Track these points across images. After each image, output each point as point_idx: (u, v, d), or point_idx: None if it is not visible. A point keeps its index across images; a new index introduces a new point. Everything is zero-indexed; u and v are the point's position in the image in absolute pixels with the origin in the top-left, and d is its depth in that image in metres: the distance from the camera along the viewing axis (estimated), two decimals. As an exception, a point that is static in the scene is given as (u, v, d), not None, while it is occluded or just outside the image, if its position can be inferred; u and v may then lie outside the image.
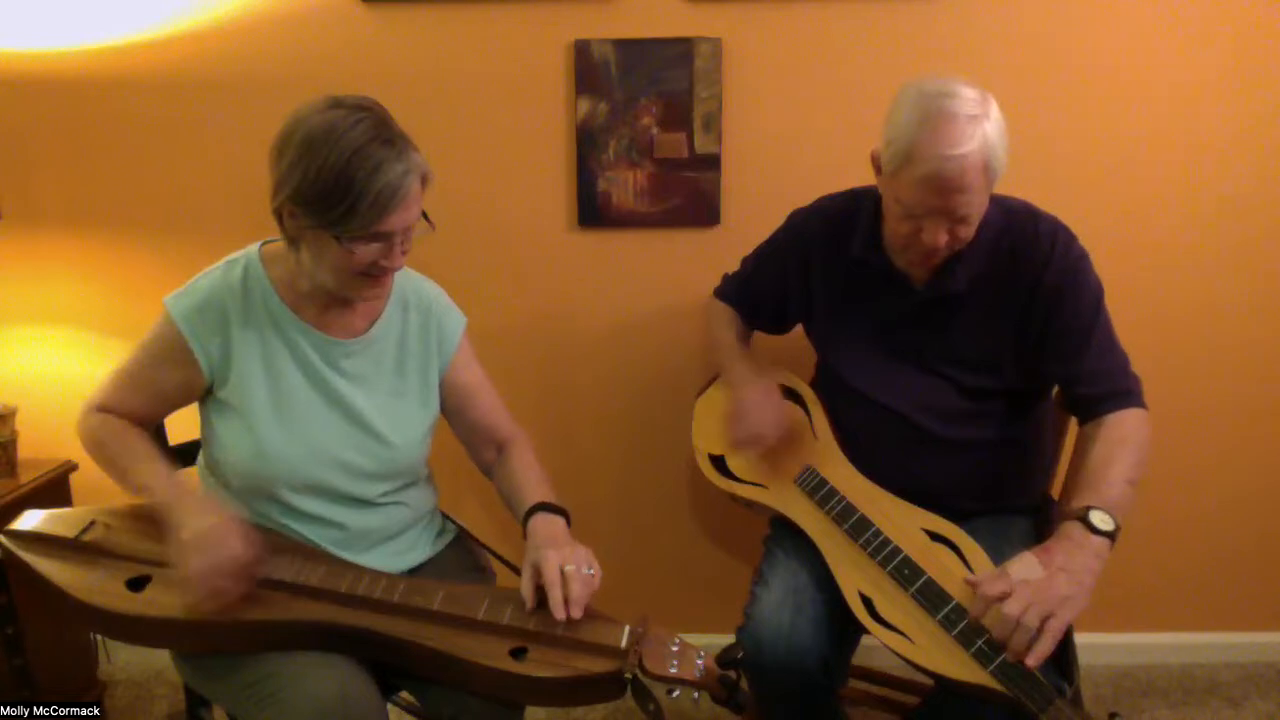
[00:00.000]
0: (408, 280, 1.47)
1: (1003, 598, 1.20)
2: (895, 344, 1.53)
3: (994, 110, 1.31)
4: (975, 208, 1.34)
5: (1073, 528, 1.26)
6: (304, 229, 1.26)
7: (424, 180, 1.27)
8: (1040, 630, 1.17)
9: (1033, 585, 1.20)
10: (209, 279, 1.36)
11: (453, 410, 1.52)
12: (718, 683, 1.21)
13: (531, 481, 1.45)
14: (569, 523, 1.39)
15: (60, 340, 2.08)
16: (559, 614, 1.22)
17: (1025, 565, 1.24)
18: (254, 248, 1.39)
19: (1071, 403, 1.45)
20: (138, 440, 1.37)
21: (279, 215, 1.27)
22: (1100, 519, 1.25)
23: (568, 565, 1.25)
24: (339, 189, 1.20)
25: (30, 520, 1.36)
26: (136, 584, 1.27)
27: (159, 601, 1.25)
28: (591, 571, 1.27)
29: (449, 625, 1.26)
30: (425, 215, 1.30)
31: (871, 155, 1.42)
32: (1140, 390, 1.42)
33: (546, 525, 1.36)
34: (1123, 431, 1.36)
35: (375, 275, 1.30)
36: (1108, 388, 1.40)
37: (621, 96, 1.94)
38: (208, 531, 1.23)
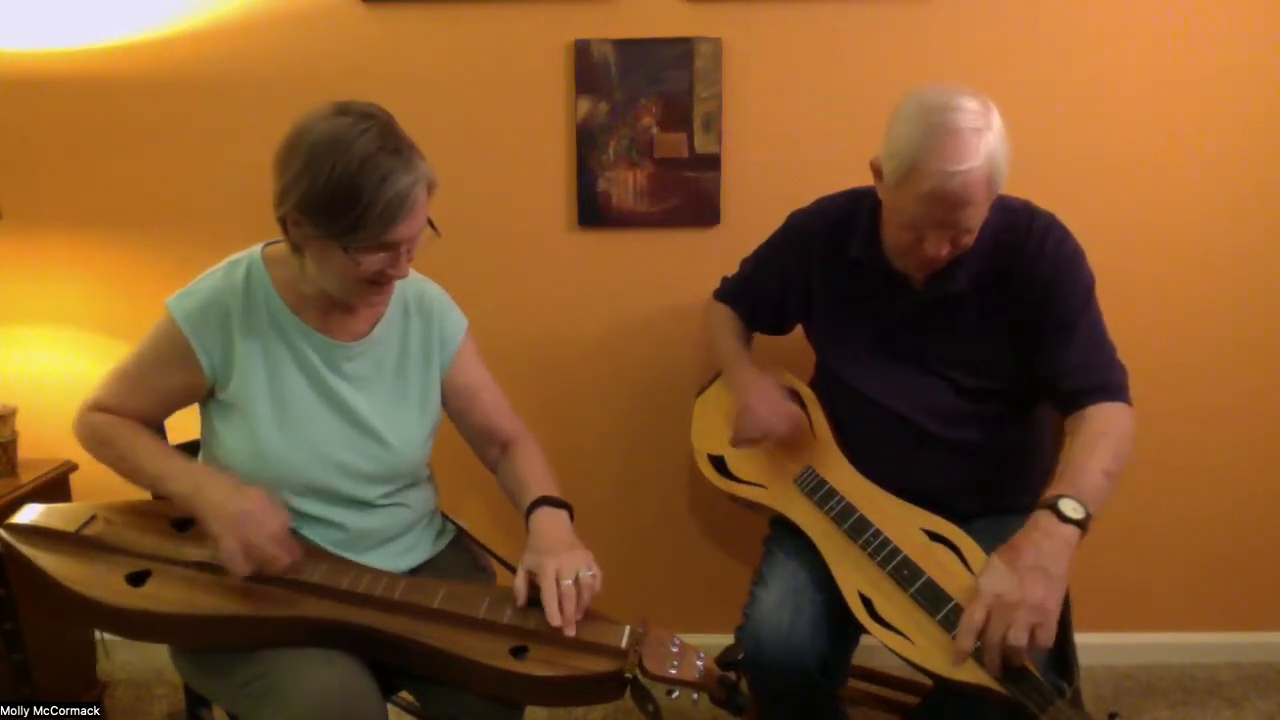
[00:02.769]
0: (410, 282, 1.46)
1: (985, 623, 1.19)
2: (895, 345, 1.53)
3: (996, 120, 1.31)
4: (978, 219, 1.35)
5: (1042, 516, 1.25)
6: (309, 238, 1.26)
7: (430, 188, 1.26)
8: (1032, 640, 1.16)
9: (1008, 600, 1.18)
10: (211, 280, 1.36)
11: (456, 411, 1.52)
12: (717, 684, 1.21)
13: (535, 477, 1.45)
14: (572, 516, 1.39)
15: (60, 340, 2.08)
16: (555, 623, 1.23)
17: (995, 574, 1.22)
18: (257, 249, 1.39)
19: (1054, 397, 1.45)
20: (142, 433, 1.36)
21: (283, 223, 1.27)
22: (1070, 507, 1.24)
23: (565, 579, 1.25)
24: (346, 200, 1.19)
25: (30, 514, 1.35)
26: (137, 579, 1.27)
27: (159, 596, 1.25)
28: (592, 573, 1.27)
29: (450, 624, 1.26)
30: (431, 223, 1.30)
31: (872, 163, 1.41)
32: (1125, 384, 1.41)
33: (549, 524, 1.35)
34: (1102, 424, 1.35)
35: (381, 283, 1.30)
36: (1090, 382, 1.39)
37: (621, 96, 1.94)
38: (246, 509, 1.24)
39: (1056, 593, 1.19)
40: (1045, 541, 1.22)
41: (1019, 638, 1.16)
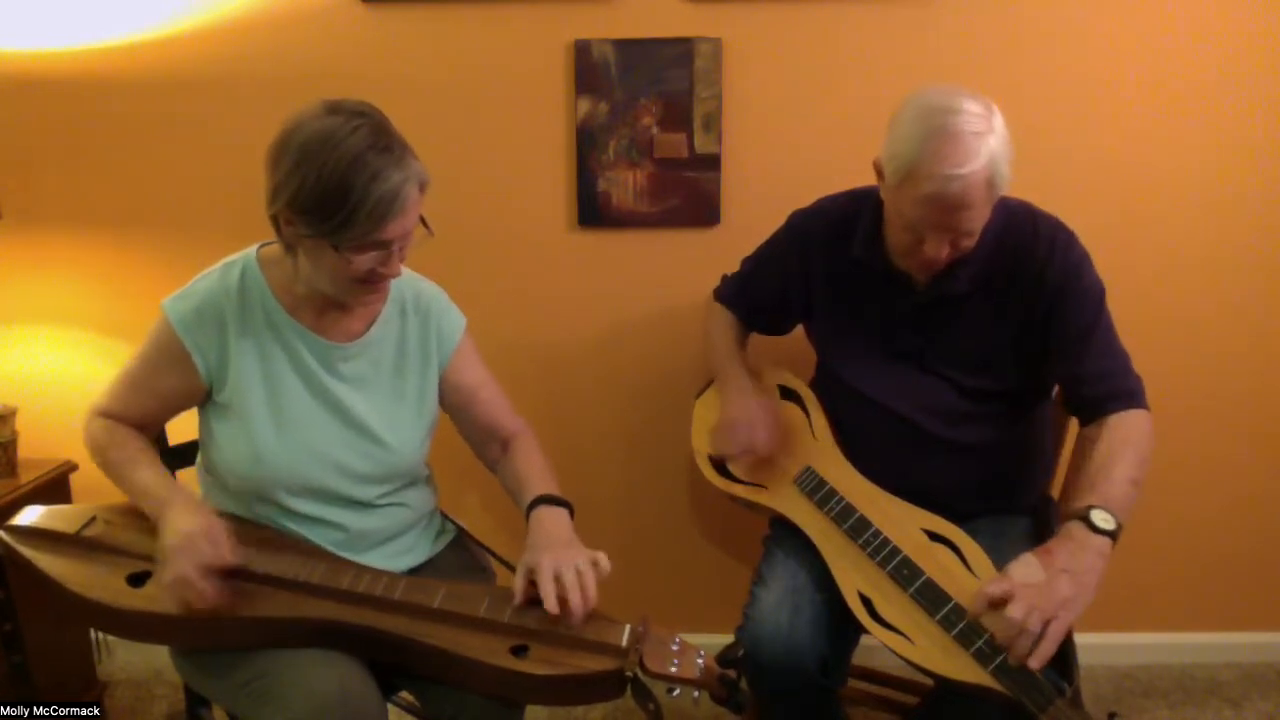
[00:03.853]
0: (406, 281, 1.46)
1: (1005, 599, 1.20)
2: (895, 345, 1.53)
3: (998, 123, 1.30)
4: (978, 222, 1.34)
5: (1075, 527, 1.25)
6: (301, 237, 1.26)
7: (422, 187, 1.26)
8: (1042, 634, 1.16)
9: (1035, 588, 1.19)
10: (206, 281, 1.36)
11: (455, 409, 1.52)
12: (718, 682, 1.21)
13: (535, 474, 1.44)
14: (572, 514, 1.39)
15: (60, 340, 2.08)
16: (553, 611, 1.22)
17: (1027, 567, 1.23)
18: (252, 250, 1.39)
19: (1074, 404, 1.45)
20: (136, 446, 1.36)
21: (275, 221, 1.27)
22: (1102, 518, 1.25)
23: (566, 574, 1.25)
24: (337, 198, 1.19)
25: (30, 515, 1.36)
26: (137, 580, 1.27)
27: (159, 597, 1.25)
28: (588, 568, 1.26)
29: (450, 623, 1.26)
30: (424, 221, 1.29)
31: (874, 163, 1.41)
32: (1143, 391, 1.41)
33: (549, 522, 1.35)
34: (1125, 432, 1.36)
35: (373, 282, 1.30)
36: (1110, 388, 1.40)
37: (621, 96, 1.94)
38: (183, 538, 1.22)
39: (1082, 597, 1.19)
40: (1079, 551, 1.23)
41: (1034, 624, 1.16)
